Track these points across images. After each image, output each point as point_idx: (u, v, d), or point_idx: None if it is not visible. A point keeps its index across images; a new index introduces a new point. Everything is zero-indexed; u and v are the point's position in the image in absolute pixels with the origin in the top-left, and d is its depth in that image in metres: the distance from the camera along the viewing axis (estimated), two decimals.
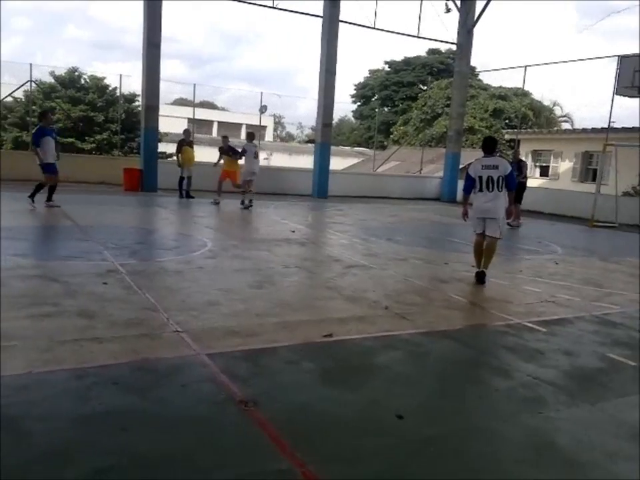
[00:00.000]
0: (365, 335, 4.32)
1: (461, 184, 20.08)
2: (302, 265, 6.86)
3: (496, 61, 78.34)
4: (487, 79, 34.28)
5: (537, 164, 26.00)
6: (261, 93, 21.67)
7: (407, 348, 4.12)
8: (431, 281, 6.22)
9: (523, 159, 14.76)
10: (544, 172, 25.47)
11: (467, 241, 9.97)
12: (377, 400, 3.21)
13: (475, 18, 19.22)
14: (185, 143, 14.26)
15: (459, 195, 20.06)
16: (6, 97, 20.23)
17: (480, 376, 3.73)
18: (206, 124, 42.10)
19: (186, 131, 14.84)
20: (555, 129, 29.49)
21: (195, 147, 15.11)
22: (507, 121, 31.60)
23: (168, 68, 67.85)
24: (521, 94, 27.08)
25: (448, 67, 34.83)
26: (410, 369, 3.77)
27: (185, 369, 3.43)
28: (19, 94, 21.27)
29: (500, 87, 32.97)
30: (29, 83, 17.56)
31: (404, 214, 14.50)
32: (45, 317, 4.10)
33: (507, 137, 28.40)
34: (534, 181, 24.36)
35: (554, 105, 34.86)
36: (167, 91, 44.20)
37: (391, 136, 35.80)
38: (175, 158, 14.64)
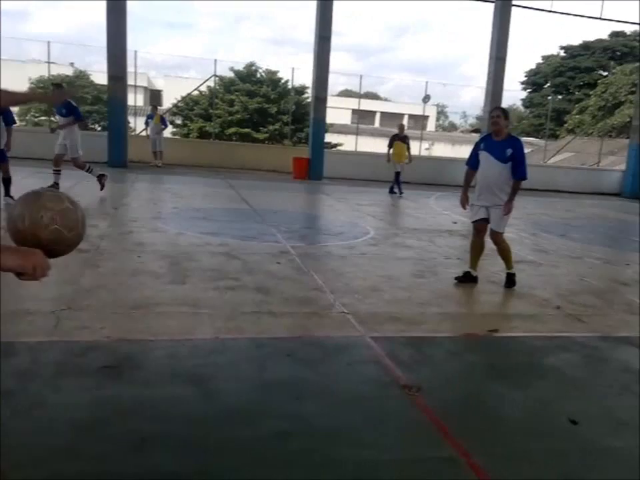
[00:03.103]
0: (533, 333, 4.13)
1: None
2: (464, 257, 6.68)
3: None
4: None
5: None
6: (426, 82, 21.35)
7: (581, 351, 3.85)
8: (610, 282, 5.72)
9: None
10: None
11: None
12: (548, 402, 3.06)
13: None
14: (397, 137, 13.62)
15: None
16: (193, 90, 22.44)
17: None
18: (369, 114, 42.68)
19: (400, 126, 14.21)
20: None
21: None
22: None
23: (334, 60, 69.91)
24: None
25: (633, 51, 31.27)
26: (585, 373, 3.53)
27: (350, 348, 3.57)
28: (204, 88, 23.40)
29: None
30: (212, 77, 19.20)
31: (579, 209, 13.42)
32: (229, 289, 4.54)
33: None
34: None
35: None
36: (332, 82, 45.55)
37: (565, 125, 33.18)
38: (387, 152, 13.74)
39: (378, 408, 2.84)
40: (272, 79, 26.06)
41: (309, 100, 20.49)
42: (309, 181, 15.73)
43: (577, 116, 32.15)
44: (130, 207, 8.80)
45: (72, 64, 31.12)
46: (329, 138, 22.56)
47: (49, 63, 18.57)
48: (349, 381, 3.11)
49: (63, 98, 8.43)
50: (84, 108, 27.25)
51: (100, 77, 22.76)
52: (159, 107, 17.87)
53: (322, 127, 16.73)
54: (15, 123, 8.26)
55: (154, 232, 6.68)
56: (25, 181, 10.08)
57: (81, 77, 28.98)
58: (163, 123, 16.58)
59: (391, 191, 13.76)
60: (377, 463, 2.35)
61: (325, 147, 17.40)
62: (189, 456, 2.26)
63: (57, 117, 9.53)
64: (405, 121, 44.39)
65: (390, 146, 13.66)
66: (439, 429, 2.65)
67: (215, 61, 18.68)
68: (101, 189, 9.31)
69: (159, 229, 6.92)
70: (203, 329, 3.65)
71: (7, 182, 8.01)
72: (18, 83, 26.31)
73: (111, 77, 14.92)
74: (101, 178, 9.41)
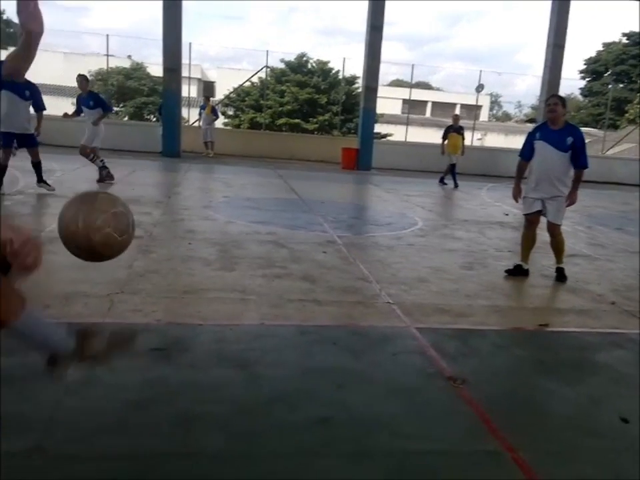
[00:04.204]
0: (586, 329, 4.00)
1: None
2: (515, 249, 6.53)
3: None
4: None
5: None
6: (480, 71, 20.70)
7: (636, 349, 3.70)
8: None
9: None
10: None
11: None
12: (598, 399, 2.97)
13: None
14: (452, 129, 13.31)
15: None
16: (245, 82, 22.69)
17: None
18: (420, 104, 42.05)
19: (455, 117, 13.86)
20: None
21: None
22: None
23: (386, 50, 69.11)
24: None
25: None
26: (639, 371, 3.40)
27: (395, 338, 3.56)
28: (255, 79, 23.60)
29: None
30: (264, 68, 19.35)
31: (637, 202, 12.85)
32: (276, 277, 4.60)
33: None
34: None
35: None
36: (384, 72, 45.18)
37: (626, 115, 31.77)
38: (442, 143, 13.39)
39: (422, 399, 2.82)
40: (323, 70, 26.02)
41: (359, 90, 20.40)
42: (357, 172, 15.69)
43: (639, 105, 30.71)
44: (182, 196, 9.02)
45: (129, 56, 32.09)
46: (379, 128, 22.37)
47: (107, 55, 19.18)
48: (393, 371, 3.10)
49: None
50: (140, 99, 28.05)
51: (156, 69, 23.33)
52: (211, 98, 18.15)
53: (372, 117, 16.62)
54: (45, 109, 8.31)
55: (205, 220, 6.83)
56: (79, 170, 10.48)
57: (137, 69, 29.77)
58: (215, 113, 16.84)
59: (442, 182, 13.53)
60: (420, 453, 2.34)
61: (374, 137, 17.28)
62: (232, 438, 2.31)
63: (84, 108, 9.43)
64: (457, 111, 43.73)
65: (444, 137, 13.35)
66: (484, 422, 2.61)
67: (267, 52, 18.88)
68: (97, 181, 9.23)
69: (209, 217, 7.07)
70: (250, 315, 3.72)
71: (38, 166, 8.06)
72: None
73: (166, 69, 15.27)
74: (102, 170, 9.36)
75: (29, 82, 7.57)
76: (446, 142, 13.27)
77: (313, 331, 3.54)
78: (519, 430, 2.58)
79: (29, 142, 7.95)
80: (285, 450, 2.28)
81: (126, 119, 27.45)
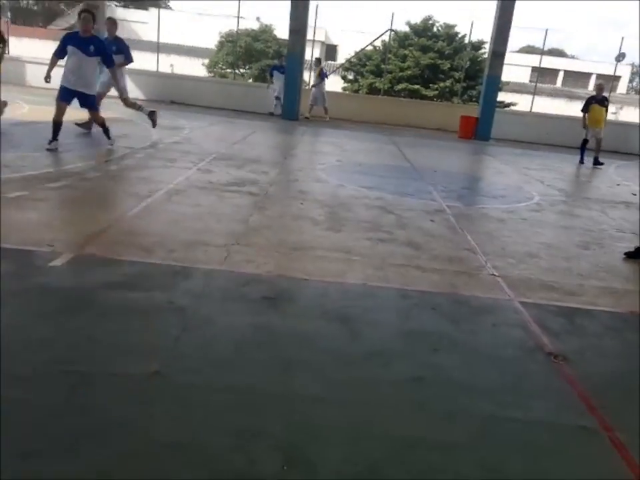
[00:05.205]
0: None
1: None
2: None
3: None
4: None
5: None
6: (622, 38, 18.66)
7: None
8: None
9: None
10: None
11: None
12: None
13: None
14: (595, 100, 12.27)
15: None
16: (367, 45, 22.44)
17: None
18: (550, 73, 39.25)
19: (599, 86, 12.77)
20: None
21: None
22: None
23: (519, 13, 64.67)
24: None
25: None
26: None
27: (496, 310, 3.53)
28: (378, 42, 23.24)
29: None
30: (388, 31, 19.01)
31: None
32: (380, 241, 4.70)
33: None
34: None
35: None
36: (514, 37, 42.50)
37: None
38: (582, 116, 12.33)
39: (519, 370, 2.82)
40: (448, 34, 25.10)
41: (485, 56, 19.47)
42: (474, 141, 15.15)
43: None
44: (297, 158, 9.31)
45: (258, 18, 32.75)
46: (503, 97, 21.35)
47: (238, 17, 19.55)
48: (492, 341, 3.11)
49: None
50: (265, 62, 28.78)
51: (282, 31, 23.66)
52: (328, 61, 18.14)
53: (496, 85, 15.88)
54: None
55: (316, 182, 7.04)
56: (206, 129, 11.13)
57: (265, 32, 30.40)
58: (321, 77, 16.73)
59: (596, 163, 12.12)
60: (511, 420, 2.36)
61: (496, 106, 16.54)
62: (329, 385, 2.48)
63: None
64: (593, 81, 40.27)
65: (585, 110, 12.19)
66: (581, 400, 2.57)
67: (392, 14, 18.36)
68: (152, 124, 8.92)
69: (321, 179, 7.26)
70: (353, 275, 3.85)
71: (104, 127, 7.62)
72: (209, 36, 28.32)
73: (291, 31, 15.41)
74: (152, 114, 8.88)
75: (93, 36, 7.20)
76: (587, 115, 12.17)
77: (413, 295, 3.61)
78: (620, 412, 2.51)
79: (88, 102, 7.40)
80: (377, 402, 2.40)
81: (250, 80, 28.36)
